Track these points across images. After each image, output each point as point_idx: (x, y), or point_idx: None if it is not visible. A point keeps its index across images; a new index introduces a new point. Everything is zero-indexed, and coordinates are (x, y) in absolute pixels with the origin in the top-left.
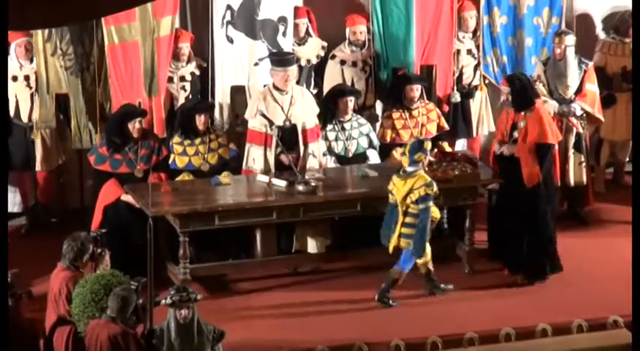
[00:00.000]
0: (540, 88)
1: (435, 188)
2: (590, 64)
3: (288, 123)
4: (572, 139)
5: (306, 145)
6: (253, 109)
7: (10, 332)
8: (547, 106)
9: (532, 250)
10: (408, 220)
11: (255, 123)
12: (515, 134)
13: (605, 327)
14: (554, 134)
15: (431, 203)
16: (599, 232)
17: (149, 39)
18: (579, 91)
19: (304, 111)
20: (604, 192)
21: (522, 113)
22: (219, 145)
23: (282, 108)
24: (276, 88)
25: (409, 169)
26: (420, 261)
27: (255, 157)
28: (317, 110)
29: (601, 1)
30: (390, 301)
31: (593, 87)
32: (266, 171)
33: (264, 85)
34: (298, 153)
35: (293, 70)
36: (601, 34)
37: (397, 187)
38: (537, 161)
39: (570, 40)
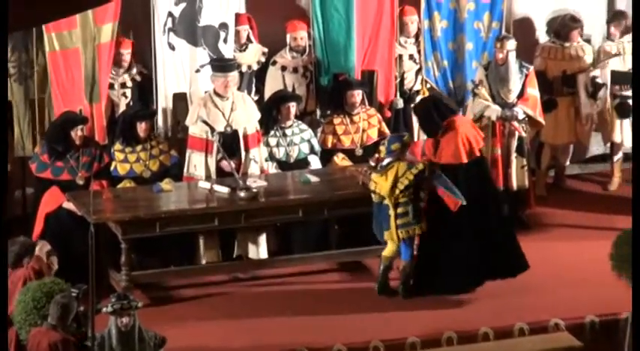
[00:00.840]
0: (482, 92)
1: (420, 166)
2: (531, 68)
3: (229, 129)
4: (514, 143)
5: (247, 150)
6: (194, 116)
7: None
8: (489, 110)
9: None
10: (400, 210)
11: (195, 129)
12: None
13: (546, 330)
14: (467, 153)
15: (426, 173)
16: (540, 236)
17: (90, 46)
18: (521, 95)
19: (245, 117)
20: (545, 195)
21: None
22: (160, 152)
23: (223, 114)
24: (216, 94)
25: (385, 161)
26: (385, 253)
27: (196, 163)
28: (258, 116)
29: (540, 6)
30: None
31: (534, 91)
32: (207, 177)
33: (206, 92)
34: (239, 159)
35: (233, 75)
36: (541, 38)
37: (379, 184)
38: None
39: (512, 44)
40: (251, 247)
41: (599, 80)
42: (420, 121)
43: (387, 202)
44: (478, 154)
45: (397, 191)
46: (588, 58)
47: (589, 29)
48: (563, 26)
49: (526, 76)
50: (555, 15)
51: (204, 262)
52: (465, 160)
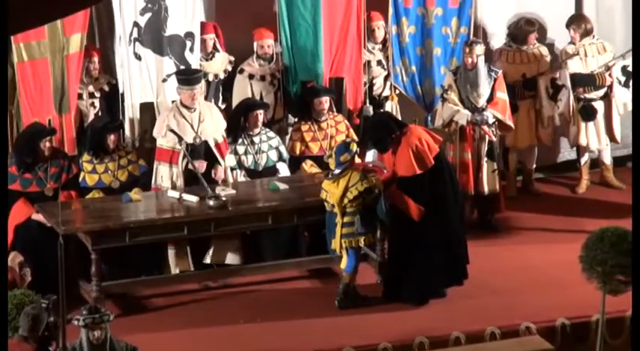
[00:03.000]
0: (452, 97)
1: (372, 180)
2: (500, 72)
3: (198, 140)
4: (484, 148)
5: (221, 159)
6: (162, 128)
7: None
8: (459, 115)
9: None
10: (347, 219)
11: (162, 141)
12: None
13: (517, 334)
14: (420, 164)
15: (377, 190)
16: (510, 240)
17: (59, 56)
18: (490, 99)
19: (213, 126)
20: (515, 196)
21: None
22: (128, 162)
23: (191, 125)
24: (183, 105)
25: (336, 171)
26: (343, 266)
27: (162, 174)
28: (224, 125)
29: (501, 11)
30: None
31: (503, 95)
32: (172, 188)
33: (173, 102)
34: (216, 168)
35: (200, 87)
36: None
37: (330, 191)
38: (409, 195)
39: (480, 49)
40: (227, 255)
41: (558, 82)
42: (372, 143)
43: (335, 209)
44: (432, 164)
45: (346, 200)
46: (546, 61)
47: (552, 34)
48: (520, 30)
49: (495, 80)
50: (512, 20)
51: (175, 271)
52: (419, 171)
